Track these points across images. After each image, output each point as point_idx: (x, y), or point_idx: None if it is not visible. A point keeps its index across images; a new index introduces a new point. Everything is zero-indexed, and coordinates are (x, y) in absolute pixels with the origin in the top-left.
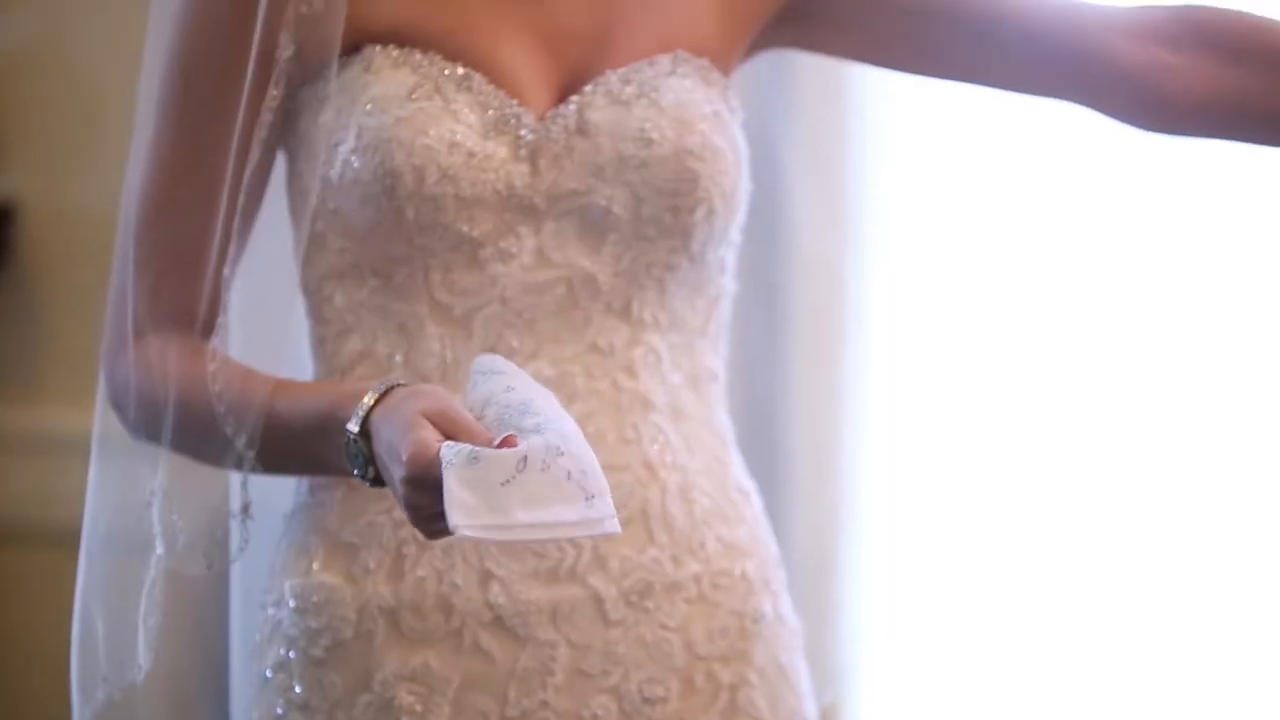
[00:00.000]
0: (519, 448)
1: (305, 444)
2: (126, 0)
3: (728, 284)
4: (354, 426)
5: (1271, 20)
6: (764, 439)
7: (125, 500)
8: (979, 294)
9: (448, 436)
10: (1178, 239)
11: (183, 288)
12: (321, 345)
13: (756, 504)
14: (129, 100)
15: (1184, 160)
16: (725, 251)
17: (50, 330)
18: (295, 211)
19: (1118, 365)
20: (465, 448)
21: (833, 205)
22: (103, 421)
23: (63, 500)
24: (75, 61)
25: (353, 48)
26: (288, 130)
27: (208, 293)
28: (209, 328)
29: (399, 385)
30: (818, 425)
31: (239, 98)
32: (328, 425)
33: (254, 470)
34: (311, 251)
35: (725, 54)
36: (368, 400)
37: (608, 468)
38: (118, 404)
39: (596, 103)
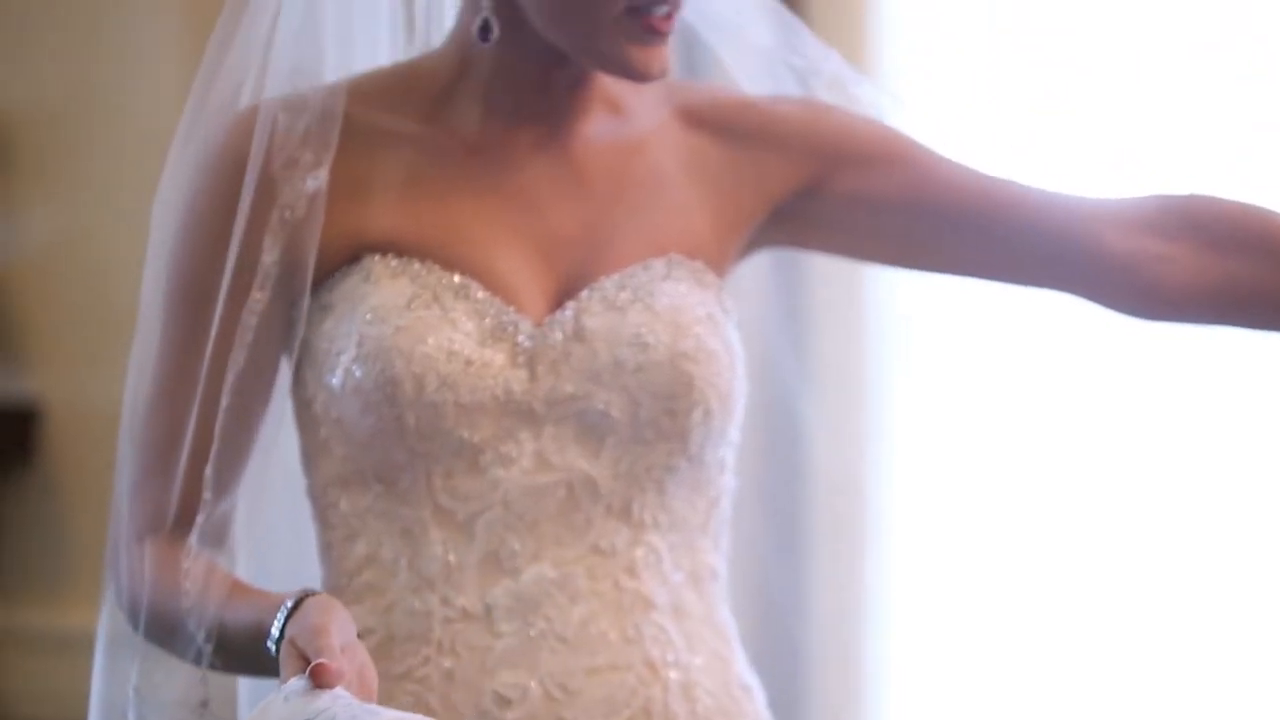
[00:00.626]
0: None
1: (250, 650)
2: (145, 203)
3: (728, 482)
4: (274, 637)
5: (1260, 207)
6: (783, 641)
7: (113, 699)
8: (1000, 503)
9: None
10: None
11: (165, 490)
12: (329, 550)
13: (759, 699)
14: None
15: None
16: (725, 451)
17: (72, 531)
18: (300, 419)
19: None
20: (292, 685)
21: (850, 414)
22: (109, 622)
23: (84, 701)
24: (97, 264)
25: (353, 257)
26: (291, 338)
27: (182, 488)
28: (187, 523)
29: (310, 595)
30: (841, 629)
31: (222, 302)
32: (259, 635)
33: (214, 667)
34: (317, 458)
35: (719, 255)
36: (281, 614)
37: (610, 668)
38: (120, 605)
39: (592, 308)
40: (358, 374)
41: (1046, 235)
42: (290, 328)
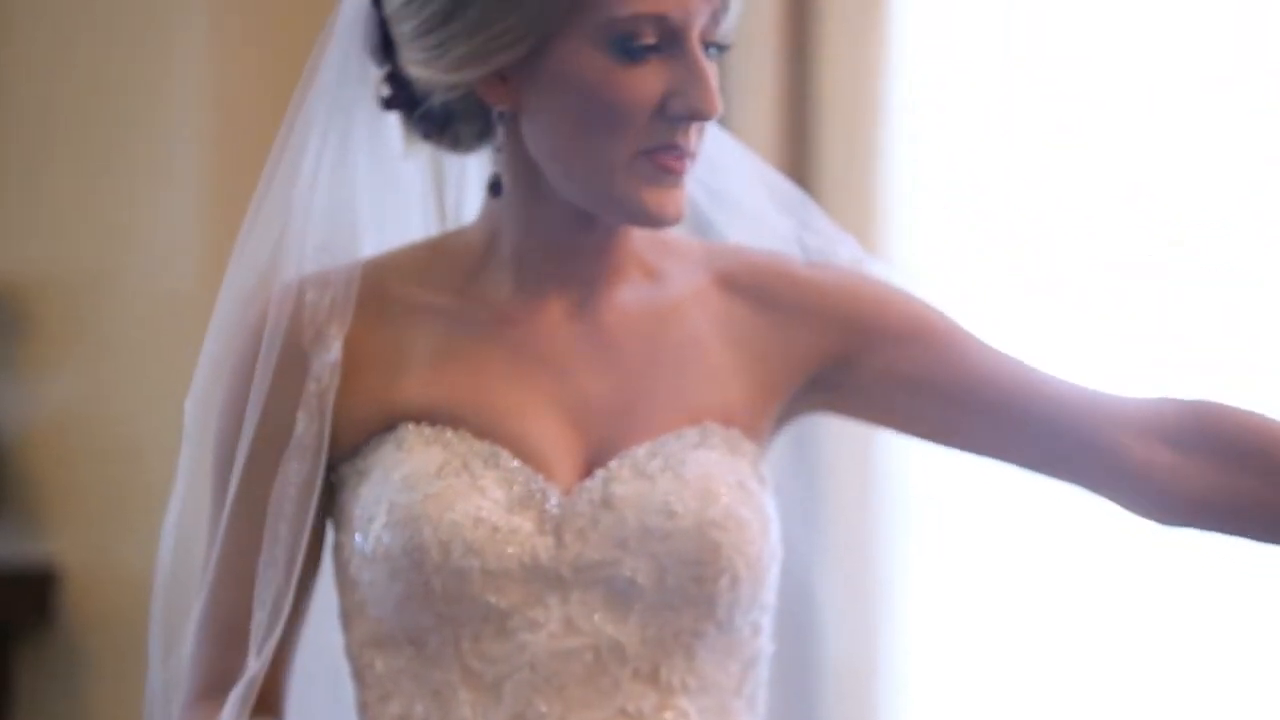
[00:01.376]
0: None
1: None
2: (165, 364)
3: (763, 645)
4: None
5: (1270, 420)
6: None
7: None
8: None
9: None
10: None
11: (217, 658)
12: (365, 710)
13: None
14: (169, 465)
15: None
16: (757, 616)
17: (91, 693)
18: (338, 580)
19: None
20: None
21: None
22: None
23: None
24: (114, 428)
25: (389, 424)
26: (330, 503)
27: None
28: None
29: None
30: None
31: (264, 475)
32: None
33: None
34: (353, 619)
35: (756, 422)
36: None
37: None
38: None
39: (622, 476)
40: (387, 540)
41: (1070, 435)
42: (331, 492)
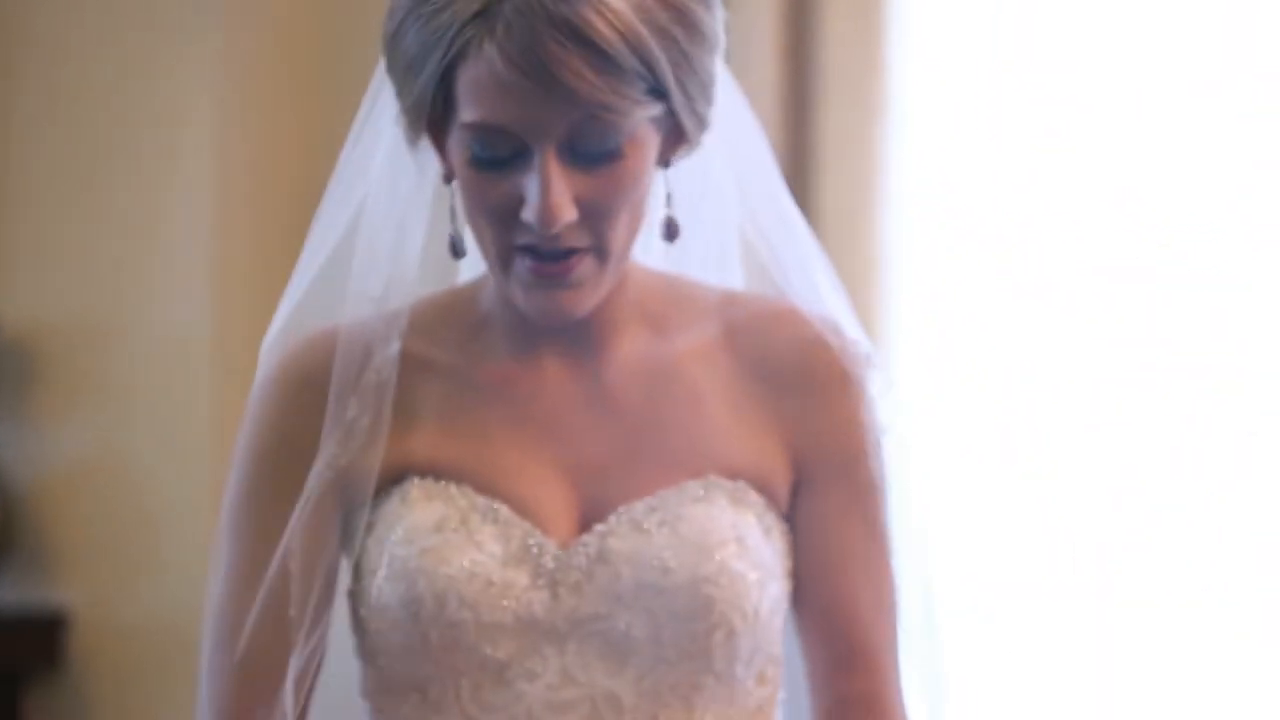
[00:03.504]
0: None
1: None
2: (174, 412)
3: (770, 692)
4: None
5: None
6: None
7: None
8: None
9: None
10: None
11: (239, 694)
12: None
13: None
14: (181, 513)
15: None
16: (762, 666)
17: None
18: (353, 627)
19: None
20: None
21: None
22: None
23: None
24: (123, 475)
25: (397, 477)
26: (348, 546)
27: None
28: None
29: None
30: None
31: (277, 520)
32: None
33: None
34: (366, 666)
35: (764, 474)
36: None
37: None
38: None
39: (619, 531)
40: (387, 592)
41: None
42: (348, 537)
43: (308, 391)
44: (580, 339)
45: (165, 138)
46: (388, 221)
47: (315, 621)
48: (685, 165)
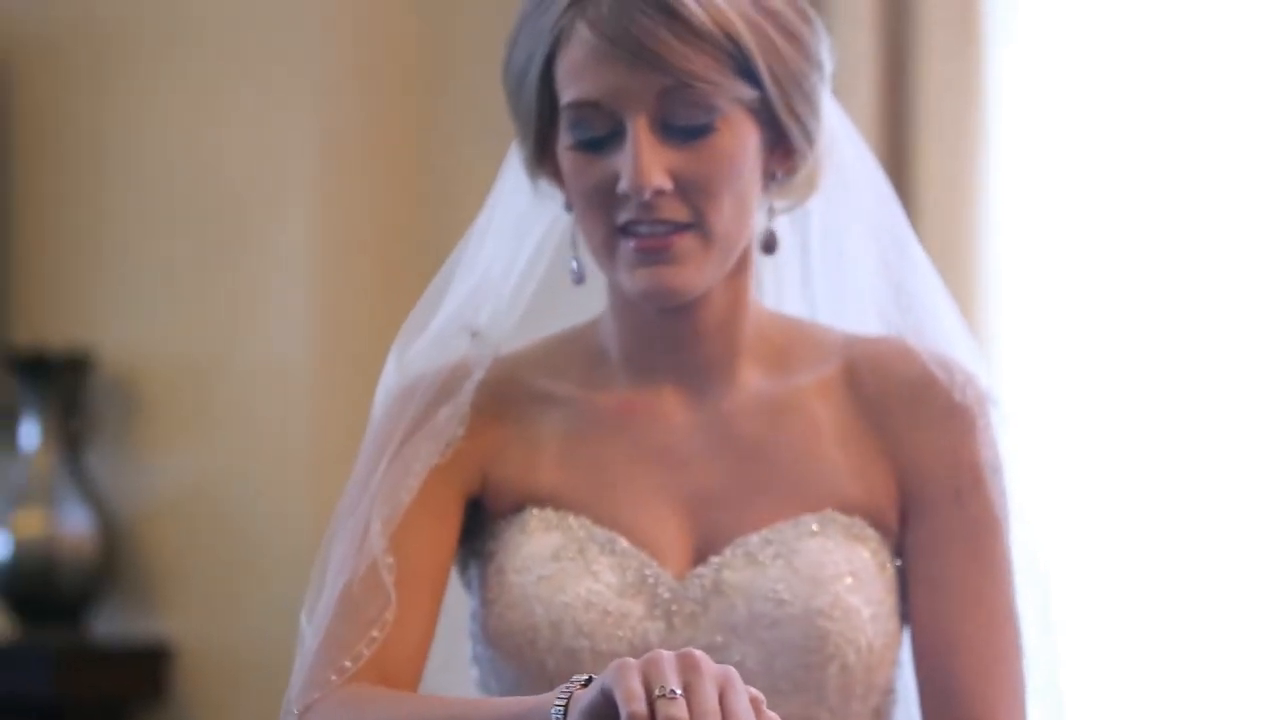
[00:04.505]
0: None
1: None
2: (277, 445)
3: None
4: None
5: None
6: None
7: None
8: None
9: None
10: None
11: (344, 642)
12: None
13: None
14: (283, 545)
15: None
16: (877, 700)
17: None
18: (474, 655)
19: None
20: None
21: None
22: None
23: None
24: (227, 508)
25: (518, 508)
26: (471, 574)
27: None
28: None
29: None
30: None
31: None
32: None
33: None
34: (481, 690)
35: (878, 511)
36: (559, 698)
37: None
38: None
39: (735, 563)
40: (504, 619)
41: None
42: (474, 561)
43: (402, 404)
44: (700, 369)
45: (267, 173)
46: (498, 259)
47: (416, 606)
48: (821, 224)
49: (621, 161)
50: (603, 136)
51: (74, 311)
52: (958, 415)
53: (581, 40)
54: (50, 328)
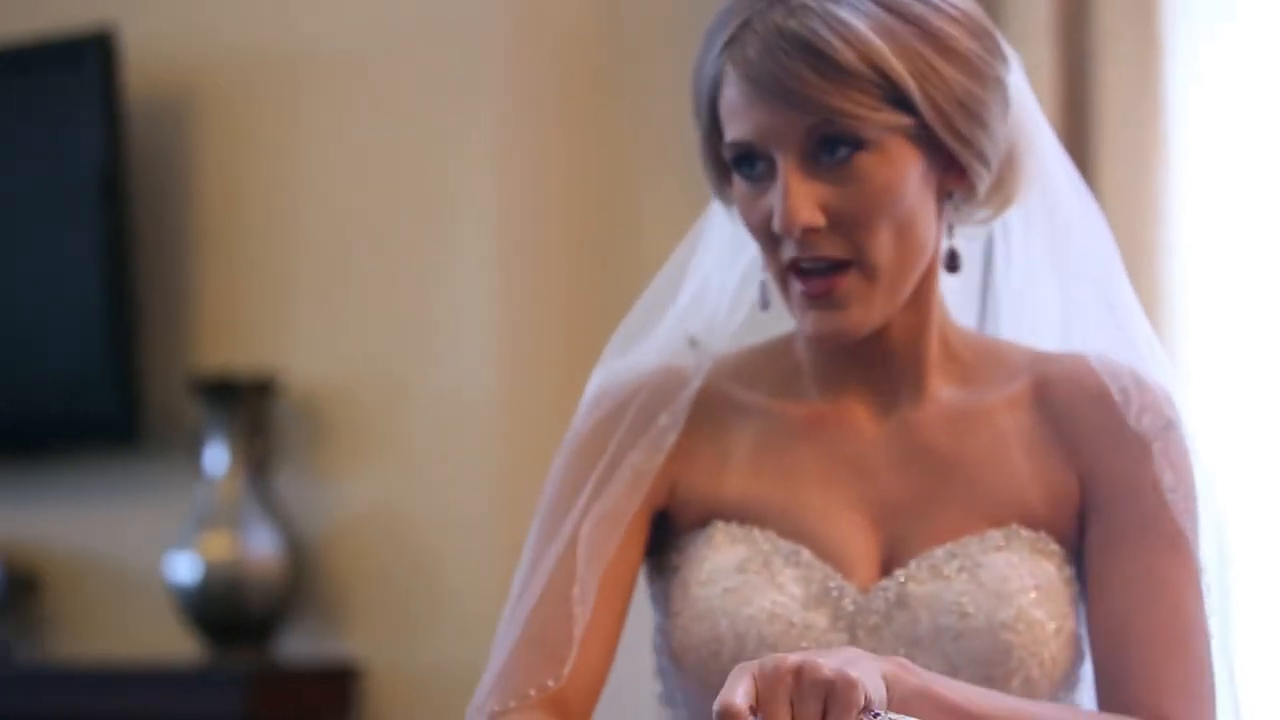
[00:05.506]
0: None
1: None
2: (462, 469)
3: None
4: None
5: None
6: None
7: None
8: None
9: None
10: None
11: (532, 669)
12: None
13: None
14: (469, 566)
15: None
16: None
17: None
18: (658, 669)
19: None
20: None
21: None
22: None
23: None
24: (409, 529)
25: (704, 520)
26: (656, 588)
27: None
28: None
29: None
30: None
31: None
32: None
33: None
34: (668, 707)
35: (1061, 525)
36: None
37: None
38: None
39: (919, 576)
40: (689, 632)
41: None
42: (657, 576)
43: (620, 407)
44: (890, 382)
45: (451, 198)
46: (716, 269)
47: (609, 614)
48: (1019, 239)
49: (776, 199)
50: (759, 175)
51: (259, 336)
52: (1134, 441)
53: (732, 82)
54: (236, 352)
